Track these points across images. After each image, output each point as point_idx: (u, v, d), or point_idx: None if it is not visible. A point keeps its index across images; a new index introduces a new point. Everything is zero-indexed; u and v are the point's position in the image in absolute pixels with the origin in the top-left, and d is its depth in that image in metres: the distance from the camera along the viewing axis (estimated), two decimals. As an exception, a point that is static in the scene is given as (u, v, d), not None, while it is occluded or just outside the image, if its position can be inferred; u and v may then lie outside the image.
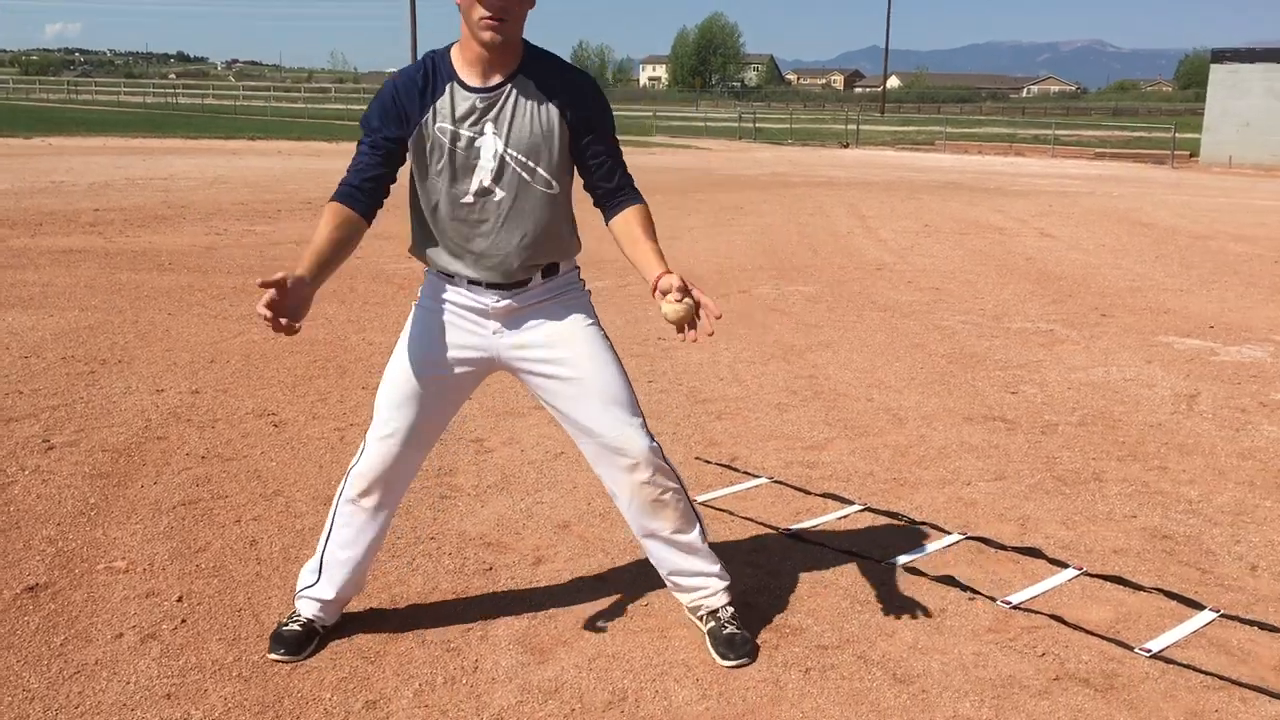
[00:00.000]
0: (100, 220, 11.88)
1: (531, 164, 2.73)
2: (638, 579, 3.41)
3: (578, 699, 2.76)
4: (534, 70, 2.71)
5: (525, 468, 4.45)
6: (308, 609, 2.98)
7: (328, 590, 2.97)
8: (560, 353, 2.85)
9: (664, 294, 2.66)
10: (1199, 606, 3.33)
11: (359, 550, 2.95)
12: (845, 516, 4.02)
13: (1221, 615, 3.27)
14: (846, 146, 37.57)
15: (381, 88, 2.75)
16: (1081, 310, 8.24)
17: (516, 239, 2.78)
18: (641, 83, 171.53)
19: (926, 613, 3.26)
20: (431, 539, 3.72)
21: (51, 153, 22.40)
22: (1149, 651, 3.04)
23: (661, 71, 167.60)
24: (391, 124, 2.71)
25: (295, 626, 2.96)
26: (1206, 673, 2.94)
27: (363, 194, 2.71)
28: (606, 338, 2.95)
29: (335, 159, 23.31)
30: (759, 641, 3.05)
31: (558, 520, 3.91)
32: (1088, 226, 13.90)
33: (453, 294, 2.87)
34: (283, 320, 2.46)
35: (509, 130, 2.70)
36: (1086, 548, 3.78)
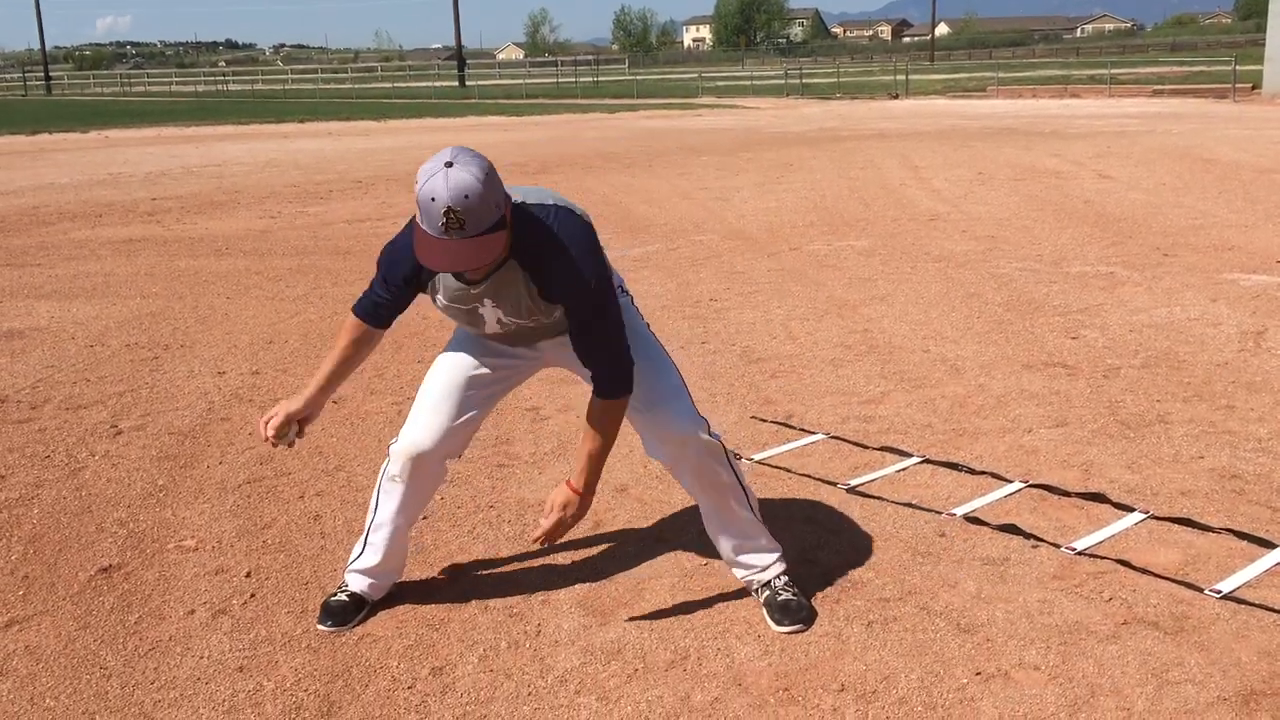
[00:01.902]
0: (158, 209, 12.08)
1: (532, 323, 2.80)
2: (696, 540, 3.41)
3: (640, 659, 2.78)
4: (521, 254, 2.63)
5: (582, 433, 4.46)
6: (355, 583, 3.03)
7: (372, 563, 3.01)
8: None
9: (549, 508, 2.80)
10: (1270, 545, 3.26)
11: (397, 525, 2.99)
12: (904, 469, 3.99)
13: (1294, 554, 3.20)
14: (896, 97, 37.02)
15: (388, 255, 2.80)
16: (1143, 251, 8.07)
17: (538, 336, 2.91)
18: (686, 44, 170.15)
19: (989, 562, 3.23)
20: (491, 507, 3.75)
21: (108, 145, 22.79)
22: (1219, 592, 2.99)
23: (705, 32, 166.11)
24: (401, 284, 2.80)
25: (343, 597, 3.01)
26: None
27: (385, 311, 2.87)
28: (646, 325, 3.02)
29: (383, 137, 23.46)
30: (820, 596, 3.04)
31: (615, 484, 3.93)
32: (1147, 166, 13.59)
33: None
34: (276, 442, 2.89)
35: (501, 304, 2.74)
36: (1153, 491, 3.72)
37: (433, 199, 2.39)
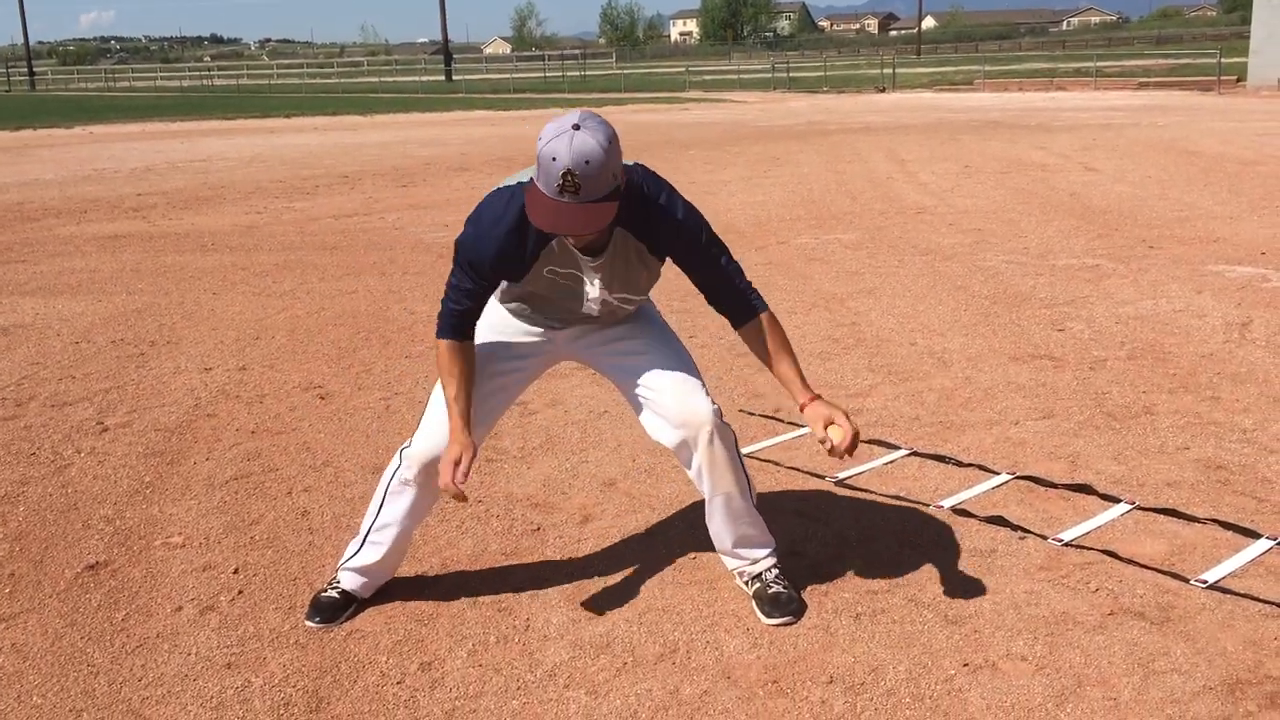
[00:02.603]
0: (143, 205, 12.02)
1: (631, 296, 2.84)
2: (685, 533, 3.42)
3: (629, 652, 2.78)
4: (629, 221, 2.66)
5: (569, 428, 4.47)
6: (348, 580, 3.02)
7: (370, 562, 3.00)
8: (620, 331, 2.94)
9: (825, 425, 2.74)
10: (1255, 535, 3.28)
11: (404, 527, 2.98)
12: (892, 462, 4.00)
13: (1279, 543, 3.22)
14: (883, 91, 37.06)
15: (471, 241, 2.68)
16: (1128, 243, 8.10)
17: (603, 321, 2.93)
18: (673, 38, 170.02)
19: (976, 554, 3.24)
20: (479, 502, 3.75)
21: (93, 141, 22.67)
22: (1205, 582, 3.01)
23: (692, 26, 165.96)
24: (494, 272, 2.71)
25: (333, 594, 3.01)
26: (1265, 601, 2.90)
27: (471, 313, 2.77)
28: (657, 310, 3.07)
29: (370, 132, 23.40)
30: (808, 589, 3.05)
31: (604, 478, 3.93)
32: (1133, 158, 13.63)
33: (517, 318, 2.97)
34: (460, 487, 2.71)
35: (612, 279, 2.76)
36: (1139, 482, 3.74)
37: (554, 159, 2.40)
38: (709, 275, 2.81)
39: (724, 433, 2.88)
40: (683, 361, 2.95)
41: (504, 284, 2.83)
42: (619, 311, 2.91)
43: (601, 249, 2.71)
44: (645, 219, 2.68)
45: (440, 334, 2.77)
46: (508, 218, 2.65)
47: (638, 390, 2.91)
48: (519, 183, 2.69)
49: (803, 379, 2.83)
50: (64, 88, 70.22)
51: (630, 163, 2.73)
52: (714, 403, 2.89)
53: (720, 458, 2.88)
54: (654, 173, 2.76)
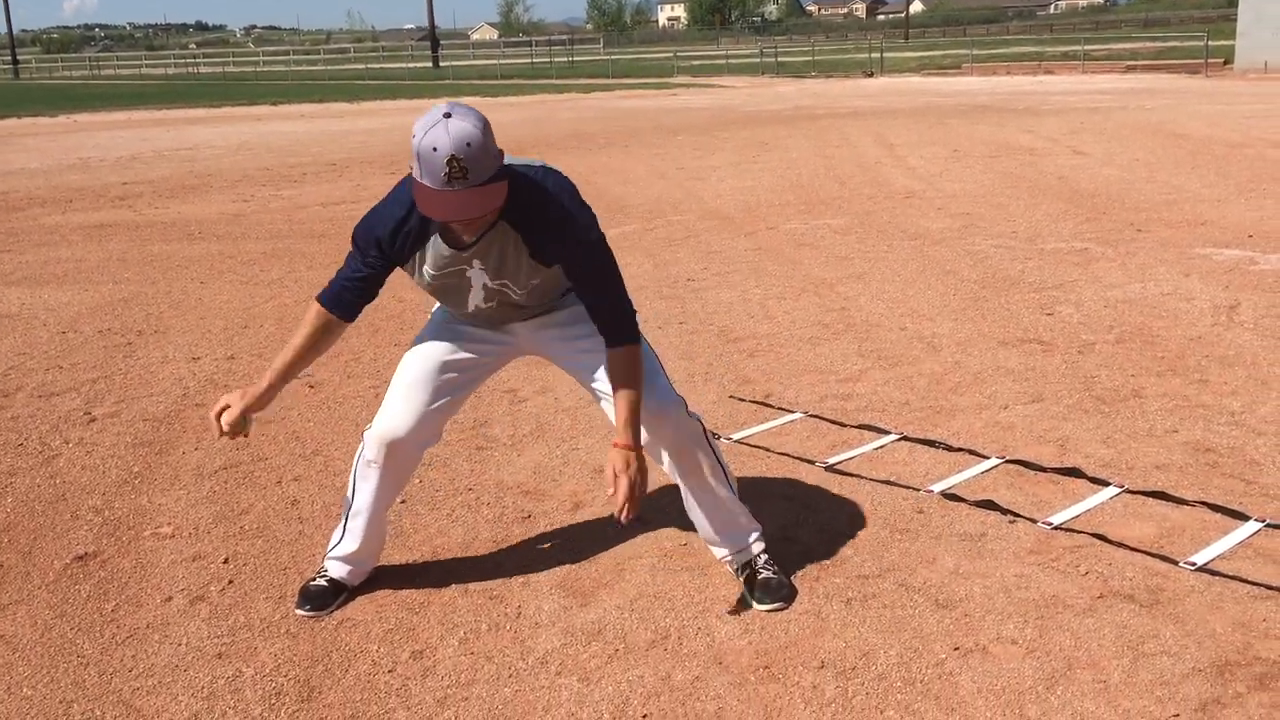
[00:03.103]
0: (129, 193, 11.96)
1: (520, 289, 2.78)
2: (675, 520, 3.41)
3: (621, 639, 2.78)
4: (513, 214, 2.62)
5: (559, 415, 4.46)
6: (335, 569, 3.02)
7: (351, 549, 3.00)
8: (582, 329, 2.88)
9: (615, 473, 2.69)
10: (1244, 517, 3.29)
11: (375, 511, 2.98)
12: (882, 447, 4.00)
13: (1267, 525, 3.24)
14: (871, 76, 37.02)
15: (368, 222, 2.71)
16: (1116, 227, 8.11)
17: (520, 315, 2.90)
18: (660, 24, 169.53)
19: (967, 538, 3.25)
20: (469, 490, 3.74)
21: (78, 129, 22.53)
22: (1194, 565, 3.02)
23: (680, 11, 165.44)
24: (379, 254, 2.72)
25: (322, 582, 3.01)
26: (1253, 583, 2.92)
27: (355, 296, 2.78)
28: None
29: (357, 120, 23.30)
30: (799, 574, 3.05)
31: (594, 465, 3.93)
32: (1120, 141, 13.65)
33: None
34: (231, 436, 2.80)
35: (497, 270, 2.72)
36: (1128, 465, 3.75)
37: (434, 149, 2.38)
38: (588, 289, 2.74)
39: (689, 425, 2.88)
40: (644, 357, 2.89)
41: (422, 282, 2.81)
42: (520, 309, 2.85)
43: (472, 244, 2.67)
44: (530, 214, 2.64)
45: (319, 296, 2.79)
46: (387, 226, 2.67)
47: (598, 385, 2.89)
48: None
49: (631, 424, 2.72)
50: (48, 76, 69.73)
51: (538, 162, 2.72)
52: (677, 395, 2.89)
53: (687, 449, 2.88)
54: (566, 179, 2.72)
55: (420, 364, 2.92)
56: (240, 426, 2.80)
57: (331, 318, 2.79)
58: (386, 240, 2.69)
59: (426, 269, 2.75)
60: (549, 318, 2.93)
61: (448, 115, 2.40)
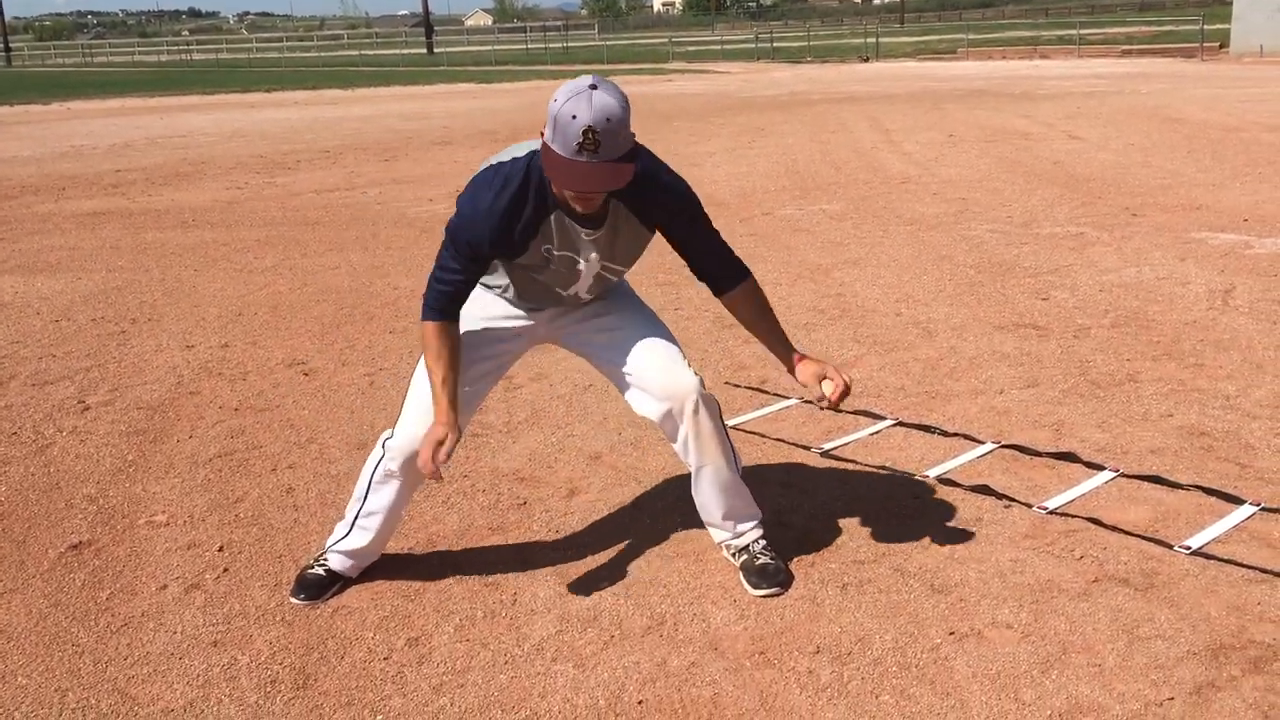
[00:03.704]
0: (122, 181, 11.92)
1: (621, 269, 2.84)
2: (671, 506, 3.42)
3: (616, 625, 2.78)
4: (625, 192, 2.63)
5: (554, 402, 4.45)
6: (337, 562, 3.00)
7: (360, 545, 2.98)
8: (597, 309, 2.93)
9: (819, 379, 2.84)
10: (1238, 501, 3.30)
11: (391, 514, 2.97)
12: (878, 432, 4.00)
13: (1262, 509, 3.24)
14: (867, 60, 36.94)
15: (472, 211, 2.64)
16: (1112, 211, 8.10)
17: (586, 301, 2.93)
18: (655, 9, 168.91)
19: (962, 522, 3.25)
20: (465, 477, 3.74)
21: (70, 117, 22.44)
22: (1189, 549, 3.02)
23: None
24: (490, 251, 2.68)
25: (319, 571, 3.00)
26: (1248, 566, 2.92)
27: (460, 294, 2.73)
28: (630, 285, 3.06)
29: (351, 106, 23.23)
30: (795, 560, 3.05)
31: (589, 452, 3.92)
32: (1116, 126, 13.63)
33: (499, 301, 2.95)
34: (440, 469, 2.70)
35: (609, 250, 2.76)
36: (1123, 449, 3.75)
37: (574, 116, 2.39)
38: (701, 244, 2.84)
39: (709, 403, 2.88)
40: (662, 334, 2.94)
41: (492, 264, 2.80)
42: (605, 285, 2.89)
43: (601, 220, 2.69)
44: (642, 190, 2.66)
45: (427, 316, 2.72)
46: (505, 195, 2.62)
47: (619, 366, 2.90)
48: (513, 158, 2.67)
49: (788, 341, 2.91)
50: (40, 63, 69.42)
51: None
52: (697, 373, 2.89)
53: (706, 428, 2.88)
54: (643, 145, 2.73)
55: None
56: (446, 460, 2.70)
57: (450, 325, 2.74)
58: (500, 223, 2.62)
59: (547, 249, 2.70)
60: (582, 309, 2.96)
61: (593, 87, 2.42)
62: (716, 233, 2.85)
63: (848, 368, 4.68)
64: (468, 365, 2.83)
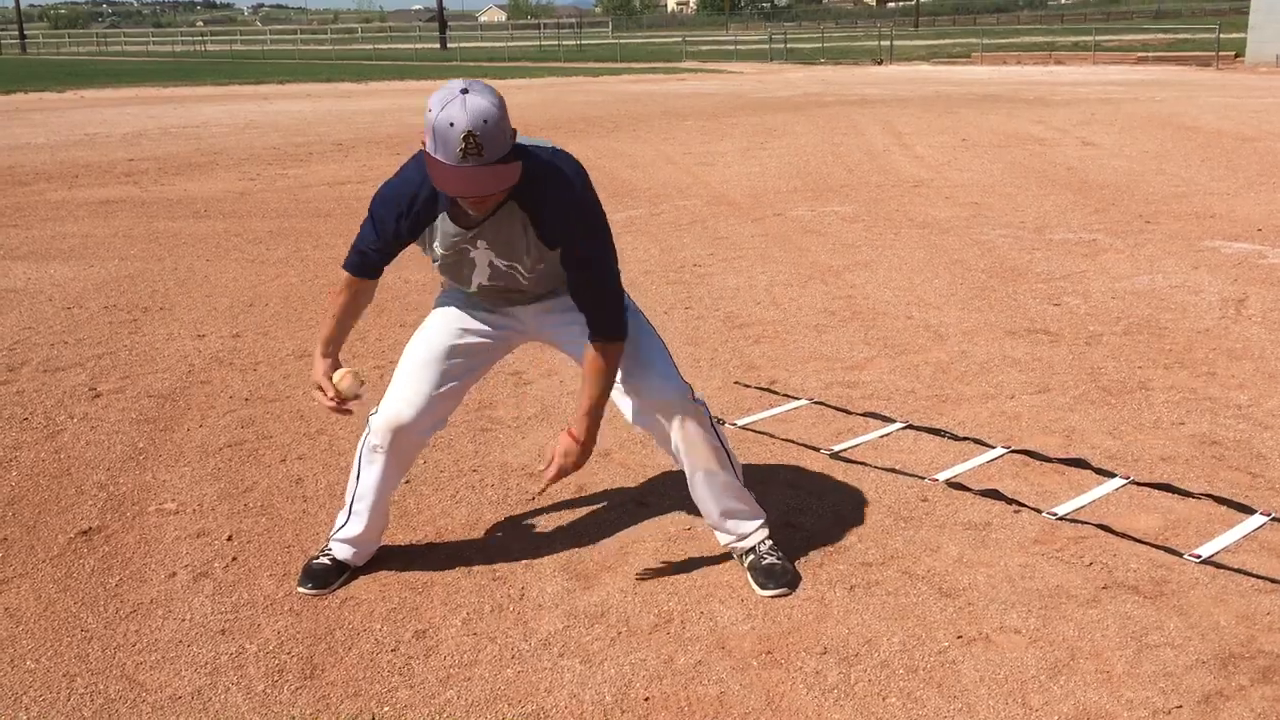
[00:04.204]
0: (135, 170, 11.95)
1: (528, 271, 2.78)
2: (679, 504, 3.41)
3: (624, 622, 2.78)
4: (521, 194, 2.62)
5: (564, 398, 4.45)
6: (340, 551, 3.02)
7: (356, 531, 2.99)
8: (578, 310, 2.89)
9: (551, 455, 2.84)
10: (1249, 511, 3.29)
11: (381, 493, 2.98)
12: (887, 435, 4.00)
13: (1273, 519, 3.23)
14: (880, 63, 36.88)
15: (383, 196, 2.73)
16: (1125, 218, 8.08)
17: (525, 298, 2.91)
18: (670, 8, 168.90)
19: (971, 527, 3.24)
20: (474, 471, 3.74)
21: (84, 105, 22.49)
22: (1199, 557, 3.01)
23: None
24: (395, 227, 2.74)
25: (325, 560, 3.01)
26: (1258, 576, 2.91)
27: (376, 259, 2.84)
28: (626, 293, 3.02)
29: (364, 100, 23.26)
30: (803, 560, 3.05)
31: (598, 448, 3.89)
32: (1130, 133, 13.59)
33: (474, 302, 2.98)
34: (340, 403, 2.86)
35: (497, 244, 2.72)
36: (1134, 457, 3.74)
37: (451, 124, 2.39)
38: (584, 277, 2.73)
39: (695, 411, 2.88)
40: (648, 342, 2.92)
41: (432, 258, 2.82)
42: (525, 291, 2.85)
43: (477, 223, 2.67)
44: (541, 195, 2.64)
45: (346, 265, 2.86)
46: (404, 195, 2.68)
47: None
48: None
49: (590, 416, 2.79)
50: (55, 51, 69.63)
51: (548, 144, 2.73)
52: (683, 381, 2.89)
53: (694, 436, 2.88)
54: (577, 163, 2.73)
55: (426, 350, 2.92)
56: (348, 391, 2.87)
57: (359, 281, 2.87)
58: (400, 215, 2.71)
59: (436, 245, 2.75)
60: (555, 302, 2.92)
61: (465, 91, 2.40)
62: (608, 278, 2.73)
63: (853, 388, 4.67)
64: (447, 358, 2.89)
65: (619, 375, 2.85)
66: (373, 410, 2.93)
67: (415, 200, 2.67)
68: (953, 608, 2.81)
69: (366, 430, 2.94)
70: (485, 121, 2.39)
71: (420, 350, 2.93)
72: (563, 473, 2.81)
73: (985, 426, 4.05)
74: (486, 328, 2.95)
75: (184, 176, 11.41)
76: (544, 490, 2.93)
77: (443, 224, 2.70)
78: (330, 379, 2.87)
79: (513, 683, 2.54)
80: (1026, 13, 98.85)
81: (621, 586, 2.96)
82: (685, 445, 2.90)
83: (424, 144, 2.49)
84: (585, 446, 2.81)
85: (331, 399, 2.85)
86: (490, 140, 2.40)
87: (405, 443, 2.92)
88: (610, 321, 2.75)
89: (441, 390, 2.89)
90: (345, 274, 2.87)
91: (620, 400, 2.92)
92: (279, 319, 5.77)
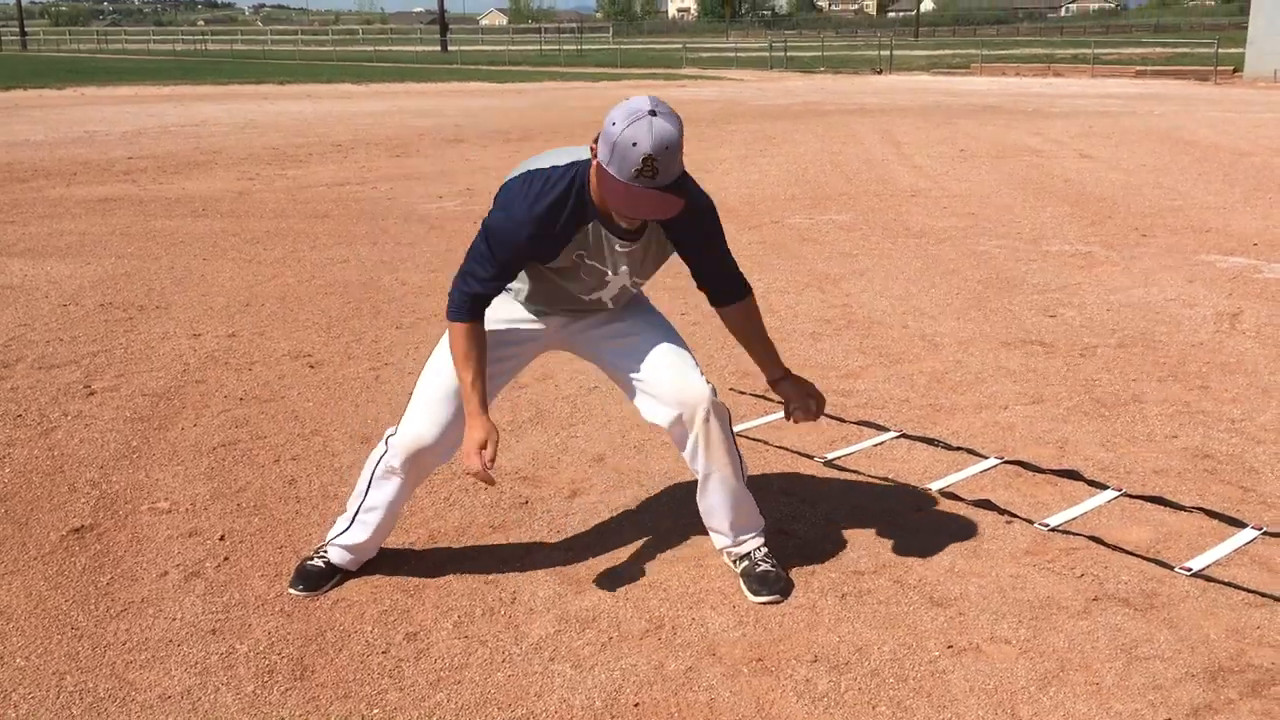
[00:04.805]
0: (134, 168, 11.94)
1: (643, 281, 2.89)
2: (673, 510, 3.42)
3: (615, 627, 2.78)
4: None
5: (559, 403, 4.46)
6: (337, 556, 3.00)
7: (359, 540, 2.98)
8: (609, 315, 2.95)
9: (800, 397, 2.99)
10: (1240, 525, 3.29)
11: (391, 510, 2.97)
12: (881, 444, 4.00)
13: (1264, 533, 3.24)
14: (880, 73, 36.95)
15: (515, 210, 2.64)
16: (1121, 231, 8.10)
17: (607, 309, 2.95)
18: (670, 14, 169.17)
19: (963, 536, 3.25)
20: (468, 475, 3.73)
21: (84, 103, 22.49)
22: (1189, 570, 3.02)
23: (690, 2, 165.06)
24: (528, 253, 2.69)
25: (319, 563, 3.00)
26: (1248, 590, 2.92)
27: (490, 296, 2.74)
28: (644, 294, 3.08)
29: (364, 101, 23.26)
30: (795, 568, 3.05)
31: (593, 453, 3.93)
32: (1128, 146, 13.62)
33: (512, 301, 2.97)
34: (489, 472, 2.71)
35: (639, 264, 2.80)
36: (1126, 469, 3.75)
37: (634, 144, 2.41)
38: (711, 258, 2.87)
39: (719, 411, 2.88)
40: (674, 340, 2.96)
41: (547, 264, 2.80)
42: (626, 296, 2.93)
43: (638, 235, 2.73)
44: (684, 210, 2.66)
45: (456, 316, 2.71)
46: (545, 199, 2.64)
47: (630, 372, 2.91)
48: (553, 166, 2.69)
49: (777, 358, 2.99)
50: (56, 48, 69.60)
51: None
52: (709, 381, 2.90)
53: (715, 436, 2.88)
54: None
55: (448, 374, 2.82)
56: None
57: (478, 327, 2.74)
58: (538, 235, 2.64)
59: (575, 254, 2.73)
60: (612, 318, 2.98)
61: (653, 113, 2.43)
62: (728, 250, 2.89)
63: (847, 397, 4.68)
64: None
65: (647, 371, 2.89)
66: (391, 431, 2.90)
67: (565, 204, 2.64)
68: (944, 617, 2.81)
69: (382, 450, 2.90)
70: (667, 147, 2.43)
71: (443, 375, 2.84)
72: (820, 404, 2.99)
73: (979, 437, 4.05)
74: (509, 346, 2.92)
75: (182, 175, 11.41)
76: (816, 415, 3.01)
77: (595, 231, 2.70)
78: (492, 437, 2.69)
79: (503, 686, 2.54)
80: (1026, 25, 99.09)
81: (613, 591, 2.96)
82: (706, 445, 2.89)
83: (593, 151, 2.53)
84: (806, 385, 3.00)
85: (491, 460, 2.68)
86: (667, 165, 2.45)
87: (424, 464, 2.90)
88: (740, 281, 2.93)
89: (459, 423, 2.80)
90: (459, 324, 2.71)
91: (640, 395, 2.92)
92: (275, 319, 5.77)
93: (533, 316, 2.95)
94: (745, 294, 2.94)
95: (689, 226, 2.76)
